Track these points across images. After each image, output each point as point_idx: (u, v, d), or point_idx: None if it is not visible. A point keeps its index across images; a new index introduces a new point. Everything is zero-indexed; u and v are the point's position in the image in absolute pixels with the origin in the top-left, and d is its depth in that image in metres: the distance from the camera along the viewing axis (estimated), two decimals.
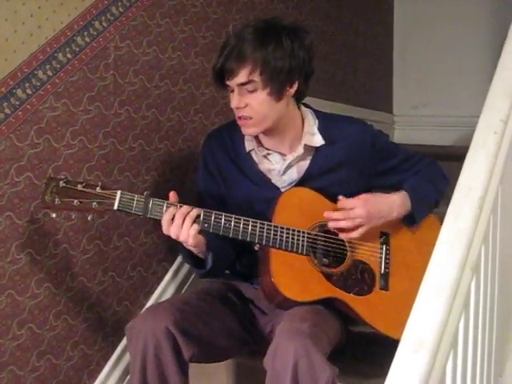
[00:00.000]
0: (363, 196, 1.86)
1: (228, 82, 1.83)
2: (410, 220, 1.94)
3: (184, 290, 2.52)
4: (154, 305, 1.87)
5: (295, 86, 1.86)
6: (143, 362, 1.73)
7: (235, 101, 1.82)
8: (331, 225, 1.85)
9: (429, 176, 1.98)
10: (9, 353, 1.89)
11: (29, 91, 1.91)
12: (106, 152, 2.17)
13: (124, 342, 2.26)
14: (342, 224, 1.83)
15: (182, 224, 1.71)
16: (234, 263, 2.03)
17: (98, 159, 2.14)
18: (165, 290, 2.45)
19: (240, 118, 1.85)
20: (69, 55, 2.03)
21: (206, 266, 1.84)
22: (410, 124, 4.11)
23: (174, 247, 2.47)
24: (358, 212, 1.83)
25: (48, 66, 1.96)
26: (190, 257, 1.84)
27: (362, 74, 3.89)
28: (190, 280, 2.54)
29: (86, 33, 2.08)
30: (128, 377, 2.26)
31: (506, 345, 1.87)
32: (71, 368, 2.09)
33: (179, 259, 2.50)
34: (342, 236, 1.86)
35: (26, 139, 1.91)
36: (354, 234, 1.85)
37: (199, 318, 1.81)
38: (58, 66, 2.00)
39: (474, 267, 1.40)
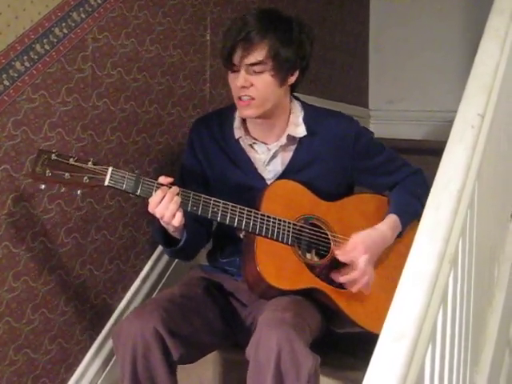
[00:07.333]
0: (357, 244, 1.86)
1: (236, 62, 1.83)
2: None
3: (161, 284, 2.51)
4: (139, 306, 1.85)
5: (295, 75, 1.91)
6: (133, 364, 1.71)
7: (241, 80, 1.83)
8: (351, 288, 1.85)
9: (414, 189, 1.99)
10: None
11: (6, 82, 1.88)
12: (84, 144, 2.16)
13: (102, 335, 2.26)
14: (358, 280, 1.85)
15: (168, 205, 1.70)
16: (214, 254, 2.04)
17: (76, 151, 2.12)
18: (142, 283, 2.44)
19: (241, 99, 1.85)
20: (46, 46, 2.01)
21: (178, 244, 1.83)
22: (385, 118, 4.13)
23: (152, 240, 2.46)
24: (362, 264, 1.83)
25: (25, 57, 1.94)
26: (162, 233, 1.82)
27: (338, 68, 3.90)
28: (168, 273, 2.53)
29: (63, 24, 2.06)
30: (106, 371, 2.26)
31: (480, 336, 1.90)
32: (49, 362, 2.07)
33: (157, 253, 2.49)
34: (354, 289, 1.86)
35: (4, 131, 1.89)
36: (367, 282, 1.86)
37: (183, 317, 1.81)
38: (36, 57, 1.97)
39: (451, 260, 1.42)
